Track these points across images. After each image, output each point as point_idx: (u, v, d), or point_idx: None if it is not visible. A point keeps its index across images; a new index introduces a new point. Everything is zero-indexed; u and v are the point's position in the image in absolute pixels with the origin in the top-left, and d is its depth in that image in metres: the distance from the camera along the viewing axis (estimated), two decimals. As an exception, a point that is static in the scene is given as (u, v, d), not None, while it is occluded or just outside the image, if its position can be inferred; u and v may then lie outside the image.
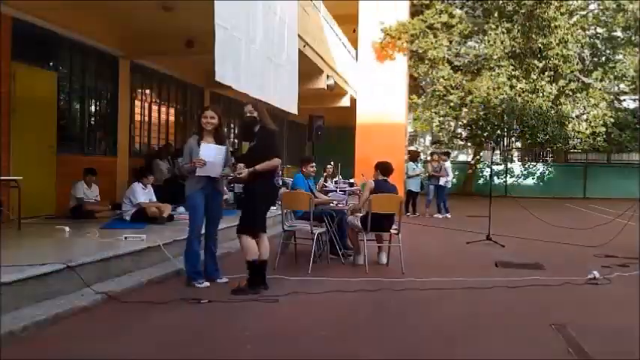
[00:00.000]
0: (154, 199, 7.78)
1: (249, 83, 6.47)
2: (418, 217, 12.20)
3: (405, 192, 12.57)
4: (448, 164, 12.68)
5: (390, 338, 3.75)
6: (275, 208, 6.45)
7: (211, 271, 5.18)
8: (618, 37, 20.32)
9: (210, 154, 4.92)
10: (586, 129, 18.41)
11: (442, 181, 12.37)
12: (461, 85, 18.20)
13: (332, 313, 4.39)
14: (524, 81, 17.89)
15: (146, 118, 11.30)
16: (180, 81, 12.38)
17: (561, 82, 18.54)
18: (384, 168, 6.42)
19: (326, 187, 9.72)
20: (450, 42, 18.03)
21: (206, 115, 5.04)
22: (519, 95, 17.68)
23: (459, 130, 22.59)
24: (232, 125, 15.84)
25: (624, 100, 22.58)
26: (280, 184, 5.84)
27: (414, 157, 12.81)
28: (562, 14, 17.67)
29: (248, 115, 4.97)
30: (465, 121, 21.27)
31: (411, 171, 12.53)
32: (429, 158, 12.76)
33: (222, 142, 5.10)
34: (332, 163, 10.26)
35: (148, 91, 11.30)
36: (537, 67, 17.91)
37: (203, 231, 5.16)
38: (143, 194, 7.56)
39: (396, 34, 16.78)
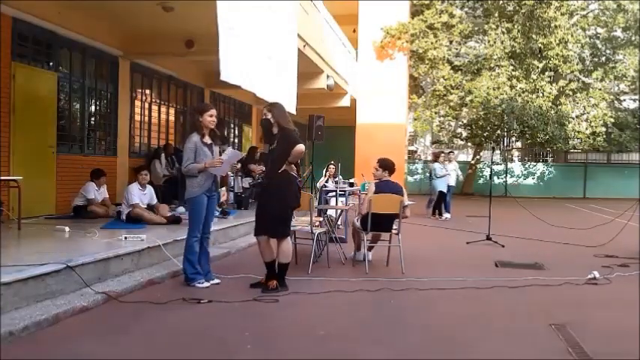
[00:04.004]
0: (155, 201, 7.67)
1: (253, 82, 6.50)
2: (446, 220, 11.85)
3: (437, 193, 12.16)
4: (436, 165, 12.41)
5: (390, 338, 3.75)
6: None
7: (204, 271, 5.12)
8: (618, 37, 20.31)
9: (229, 156, 5.05)
10: (586, 129, 18.40)
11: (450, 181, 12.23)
12: (461, 85, 18.21)
13: (332, 313, 4.39)
14: (524, 81, 17.89)
15: (146, 118, 11.29)
16: (180, 81, 12.38)
17: (561, 82, 18.54)
18: (387, 166, 6.24)
19: (326, 187, 9.72)
20: (450, 42, 18.04)
21: (212, 113, 5.03)
22: (519, 95, 17.68)
23: (459, 130, 22.60)
24: (232, 125, 15.85)
25: (624, 100, 22.57)
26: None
27: (437, 157, 12.56)
28: (562, 14, 17.67)
29: (263, 117, 4.94)
30: (465, 121, 21.28)
31: (439, 171, 12.03)
32: (429, 158, 12.64)
33: (219, 140, 5.20)
34: (333, 162, 10.24)
35: (147, 91, 11.29)
36: (537, 67, 17.90)
37: None
38: (140, 196, 7.42)
39: (396, 33, 16.78)
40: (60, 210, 8.23)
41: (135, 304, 4.38)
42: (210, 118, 5.00)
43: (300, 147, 4.79)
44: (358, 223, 6.28)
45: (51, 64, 8.49)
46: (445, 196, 12.19)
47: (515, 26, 17.80)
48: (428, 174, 12.57)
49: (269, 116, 4.89)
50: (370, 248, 6.48)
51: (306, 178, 10.23)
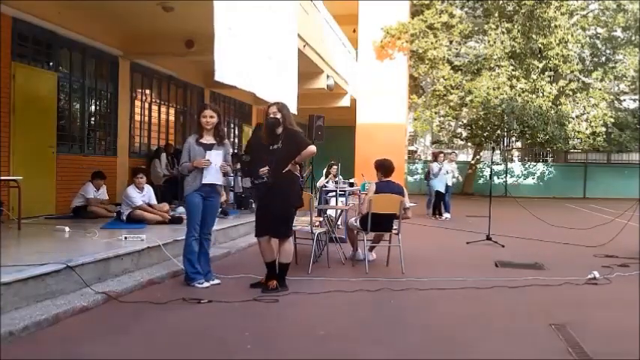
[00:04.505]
0: (154, 201, 7.68)
1: (252, 82, 6.48)
2: (446, 220, 11.81)
3: (434, 193, 12.12)
4: (433, 165, 12.35)
5: (390, 338, 3.75)
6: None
7: (204, 272, 5.11)
8: (618, 37, 20.32)
9: (211, 157, 4.92)
10: (586, 129, 18.41)
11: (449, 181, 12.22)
12: (461, 85, 18.22)
13: (332, 313, 4.39)
14: (524, 81, 17.90)
15: (146, 118, 11.30)
16: (180, 81, 12.38)
17: (561, 82, 18.55)
18: (386, 168, 6.26)
19: (326, 186, 9.71)
20: (450, 42, 18.06)
21: (205, 114, 5.00)
22: (519, 95, 17.69)
23: (459, 130, 22.60)
24: (232, 125, 15.85)
25: (624, 100, 22.59)
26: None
27: (436, 156, 12.52)
28: (562, 14, 17.68)
29: (272, 116, 4.89)
30: (465, 121, 21.28)
31: (435, 169, 12.02)
32: (429, 158, 12.64)
33: (222, 141, 5.09)
34: (334, 163, 10.23)
35: (148, 91, 11.30)
36: (537, 67, 17.91)
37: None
38: (140, 198, 7.40)
39: (396, 33, 16.80)
40: (60, 210, 8.23)
41: (135, 304, 4.38)
42: (204, 119, 4.99)
43: (313, 148, 4.87)
44: (357, 223, 6.28)
45: (51, 64, 8.49)
46: (444, 196, 12.18)
47: (515, 26, 17.80)
48: (424, 174, 12.43)
49: (279, 116, 4.88)
50: (372, 248, 6.49)
51: (307, 178, 10.23)
